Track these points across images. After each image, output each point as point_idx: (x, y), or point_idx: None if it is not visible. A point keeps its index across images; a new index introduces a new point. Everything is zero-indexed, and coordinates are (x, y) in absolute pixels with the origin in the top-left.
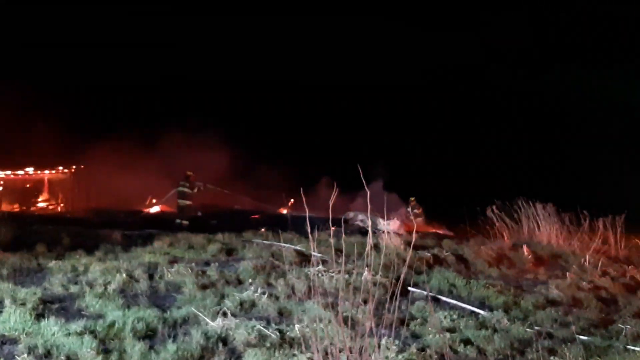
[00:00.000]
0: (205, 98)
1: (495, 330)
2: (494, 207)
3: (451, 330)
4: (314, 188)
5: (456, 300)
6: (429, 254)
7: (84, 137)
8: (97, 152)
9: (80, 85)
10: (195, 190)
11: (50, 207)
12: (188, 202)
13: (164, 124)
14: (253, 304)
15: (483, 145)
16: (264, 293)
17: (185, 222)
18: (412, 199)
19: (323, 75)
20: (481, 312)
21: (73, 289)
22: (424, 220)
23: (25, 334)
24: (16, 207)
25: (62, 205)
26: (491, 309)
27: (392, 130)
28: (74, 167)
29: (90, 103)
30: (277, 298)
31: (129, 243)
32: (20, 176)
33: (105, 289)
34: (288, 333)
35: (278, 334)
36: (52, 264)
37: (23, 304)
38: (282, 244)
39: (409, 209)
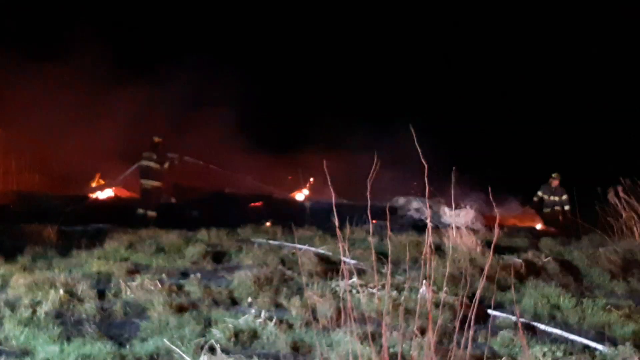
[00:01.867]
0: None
1: None
2: (619, 189)
3: None
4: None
5: (561, 329)
6: (519, 260)
7: None
8: (19, 103)
9: None
10: (167, 165)
11: None
12: (156, 183)
13: (125, 55)
14: (254, 335)
15: (601, 98)
16: (270, 318)
17: (151, 213)
18: (555, 175)
19: None
20: (599, 346)
21: None
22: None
23: None
24: None
25: None
26: (614, 343)
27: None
28: None
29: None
30: (290, 326)
31: (69, 244)
32: None
33: (34, 312)
34: None
35: None
36: None
37: None
38: (297, 245)
39: (540, 194)
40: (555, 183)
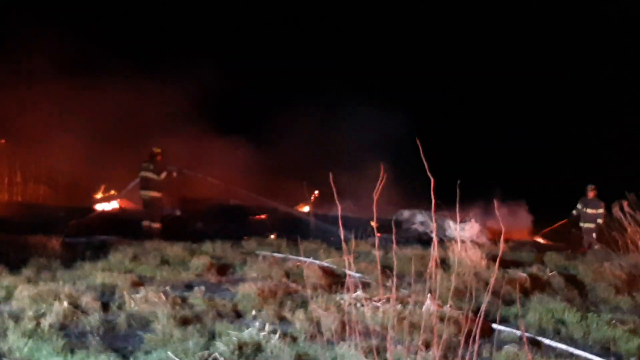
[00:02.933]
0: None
1: None
2: (624, 203)
3: None
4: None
5: (566, 344)
6: (524, 274)
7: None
8: (23, 117)
9: None
10: (163, 175)
11: None
12: (154, 194)
13: (128, 62)
14: (258, 348)
15: (607, 113)
16: (274, 331)
17: (156, 225)
18: (592, 187)
19: None
20: None
21: None
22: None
23: None
24: None
25: None
26: (619, 358)
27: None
28: None
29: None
30: (294, 339)
31: (73, 256)
32: None
33: (38, 324)
34: None
35: None
36: None
37: None
38: (302, 258)
39: (579, 207)
40: (590, 195)
